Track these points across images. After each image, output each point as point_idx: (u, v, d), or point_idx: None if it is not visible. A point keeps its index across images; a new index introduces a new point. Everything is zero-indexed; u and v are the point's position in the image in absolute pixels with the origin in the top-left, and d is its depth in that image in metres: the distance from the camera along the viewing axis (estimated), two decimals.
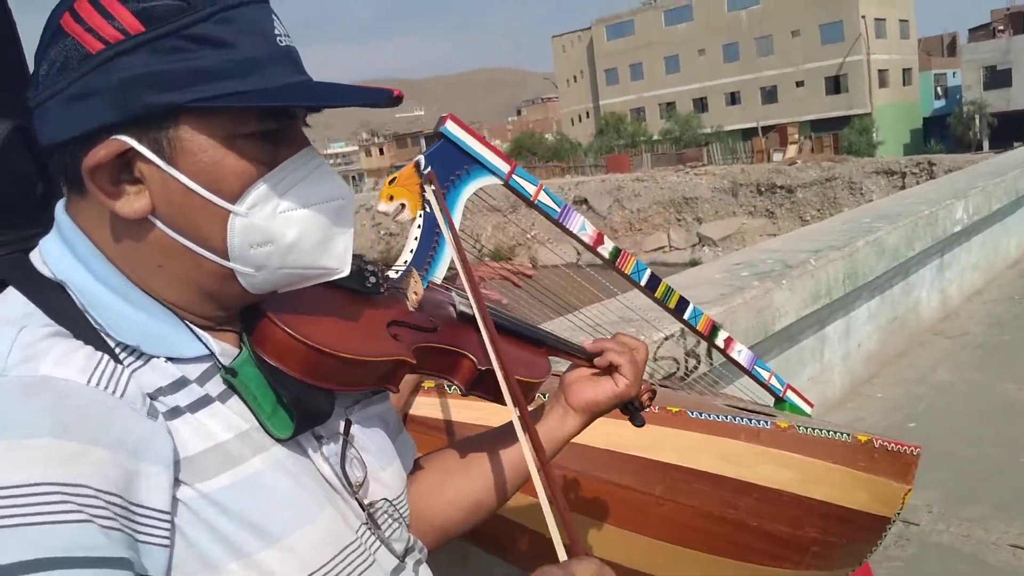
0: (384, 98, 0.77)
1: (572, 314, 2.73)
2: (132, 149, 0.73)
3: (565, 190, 34.93)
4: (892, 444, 2.14)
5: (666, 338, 3.21)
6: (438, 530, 1.12)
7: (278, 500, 0.79)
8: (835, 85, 49.61)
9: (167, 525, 0.70)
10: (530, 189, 1.90)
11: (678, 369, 3.20)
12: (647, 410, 1.81)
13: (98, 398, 0.68)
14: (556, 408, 1.17)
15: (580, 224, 1.99)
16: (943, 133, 47.62)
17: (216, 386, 0.80)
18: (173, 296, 0.80)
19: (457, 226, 1.79)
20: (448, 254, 1.78)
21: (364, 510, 0.90)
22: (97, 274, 0.78)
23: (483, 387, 1.06)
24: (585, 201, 34.36)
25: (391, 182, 1.73)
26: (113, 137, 0.73)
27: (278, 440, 0.82)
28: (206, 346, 0.81)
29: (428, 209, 1.76)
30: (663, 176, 34.84)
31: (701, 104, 54.98)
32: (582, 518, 1.72)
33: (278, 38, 0.78)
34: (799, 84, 50.63)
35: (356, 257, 1.04)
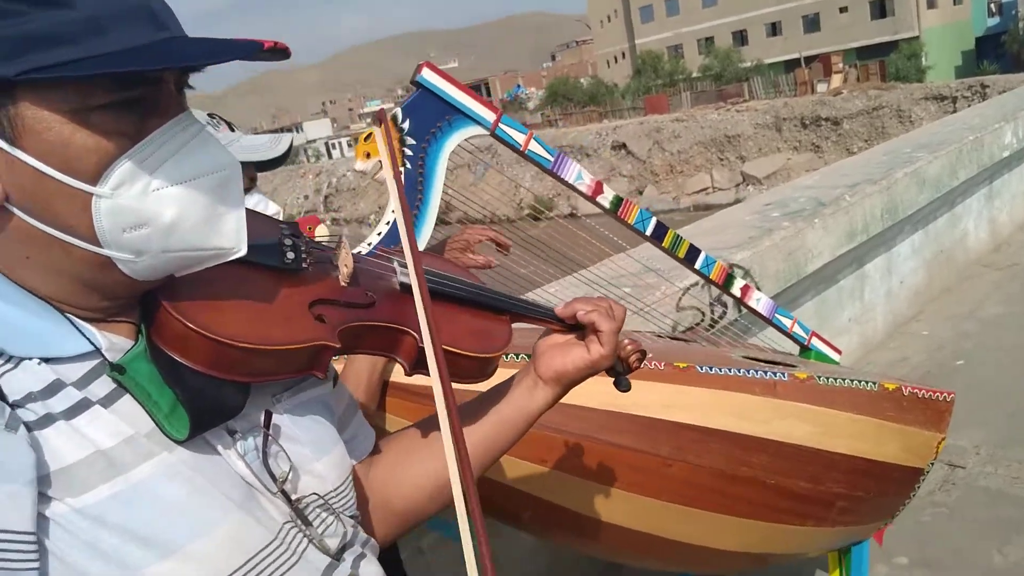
0: (254, 51, 0.67)
1: (585, 270, 2.63)
2: None
3: (603, 135, 34.36)
4: (923, 391, 2.01)
5: (690, 287, 3.08)
6: (399, 516, 1.05)
7: (170, 508, 0.71)
8: (880, 9, 47.47)
9: (30, 547, 0.63)
10: (519, 139, 1.78)
11: (703, 319, 3.07)
12: (651, 367, 1.72)
13: None
14: (525, 379, 1.07)
15: (576, 173, 1.87)
16: (998, 53, 45.36)
17: (103, 386, 0.72)
18: (49, 289, 0.72)
19: (442, 181, 1.69)
20: (432, 218, 1.68)
21: (290, 507, 0.83)
22: None
23: (423, 363, 0.95)
24: (623, 146, 33.75)
25: (367, 138, 1.63)
26: None
27: (178, 441, 0.74)
28: (91, 342, 0.73)
29: (408, 166, 1.66)
30: (703, 115, 33.96)
31: (741, 37, 53.21)
32: (586, 483, 1.64)
33: None
34: (843, 10, 48.58)
35: (285, 226, 0.95)
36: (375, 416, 1.56)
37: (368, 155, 1.63)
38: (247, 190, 1.67)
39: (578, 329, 1.08)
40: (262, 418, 0.83)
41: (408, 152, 1.66)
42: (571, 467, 1.62)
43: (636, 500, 1.66)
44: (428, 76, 1.67)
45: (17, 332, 0.70)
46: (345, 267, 0.94)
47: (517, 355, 1.57)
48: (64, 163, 0.66)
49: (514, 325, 1.08)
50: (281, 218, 1.70)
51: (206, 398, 0.76)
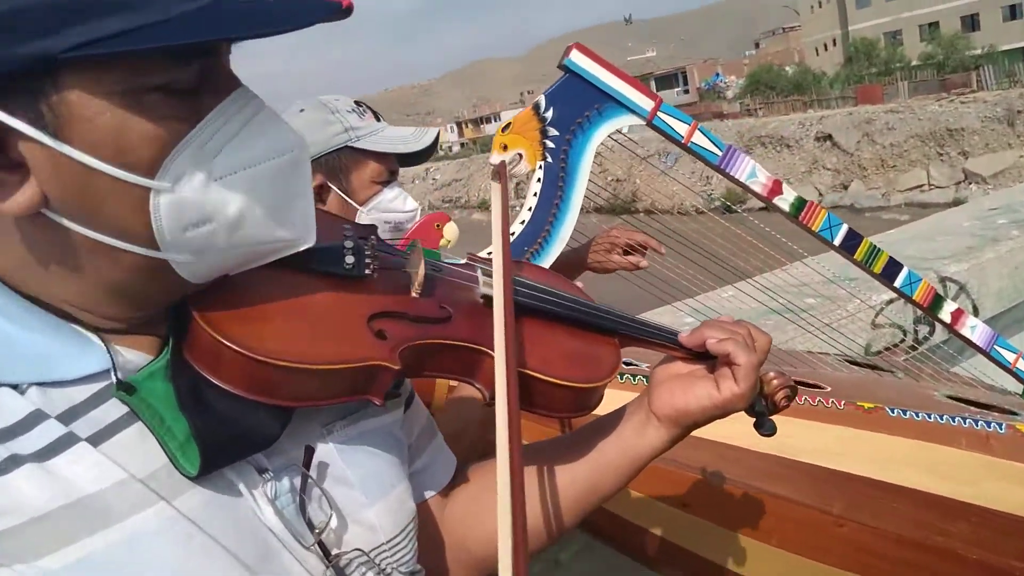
0: (334, 11, 0.57)
1: (763, 275, 2.34)
2: (2, 124, 0.54)
3: (806, 126, 32.38)
4: None
5: (890, 301, 2.69)
6: (478, 563, 0.89)
7: (165, 568, 0.58)
8: None
9: None
10: (681, 129, 1.55)
11: (903, 339, 2.67)
12: (828, 405, 1.45)
13: None
14: (637, 413, 0.88)
15: (749, 169, 1.61)
16: None
17: (103, 413, 0.61)
18: (64, 297, 0.62)
19: (586, 177, 1.50)
20: (574, 217, 1.50)
21: (328, 564, 0.68)
22: None
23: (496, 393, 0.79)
24: (829, 137, 31.60)
25: (505, 129, 1.47)
26: None
27: (191, 478, 0.61)
28: (103, 359, 0.62)
29: (549, 159, 1.48)
30: (922, 106, 31.08)
31: (971, 22, 48.15)
32: (734, 535, 1.40)
33: None
34: None
35: (349, 226, 0.82)
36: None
37: (505, 147, 1.47)
38: (386, 183, 1.56)
39: (708, 359, 0.87)
40: (302, 454, 0.69)
41: (550, 144, 1.49)
42: (718, 515, 1.39)
43: (795, 561, 1.40)
44: (578, 59, 1.48)
45: (11, 356, 0.59)
46: (417, 275, 0.79)
47: (634, 377, 1.36)
48: (119, 155, 0.57)
49: None
50: (419, 216, 1.58)
51: (228, 427, 0.63)
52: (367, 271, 0.76)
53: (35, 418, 0.58)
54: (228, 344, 0.63)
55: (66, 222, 0.58)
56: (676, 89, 59.98)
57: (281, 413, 0.67)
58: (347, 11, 0.58)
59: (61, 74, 0.54)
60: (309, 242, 0.68)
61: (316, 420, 0.72)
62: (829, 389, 1.53)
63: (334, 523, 0.70)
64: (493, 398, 0.78)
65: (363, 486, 0.74)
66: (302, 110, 1.54)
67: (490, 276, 0.86)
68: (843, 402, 1.45)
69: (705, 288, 2.36)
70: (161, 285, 0.63)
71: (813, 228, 1.66)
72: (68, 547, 0.55)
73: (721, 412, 0.85)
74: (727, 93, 54.95)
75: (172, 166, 0.58)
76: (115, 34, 0.53)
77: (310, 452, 0.69)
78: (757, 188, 1.62)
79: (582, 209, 1.53)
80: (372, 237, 0.81)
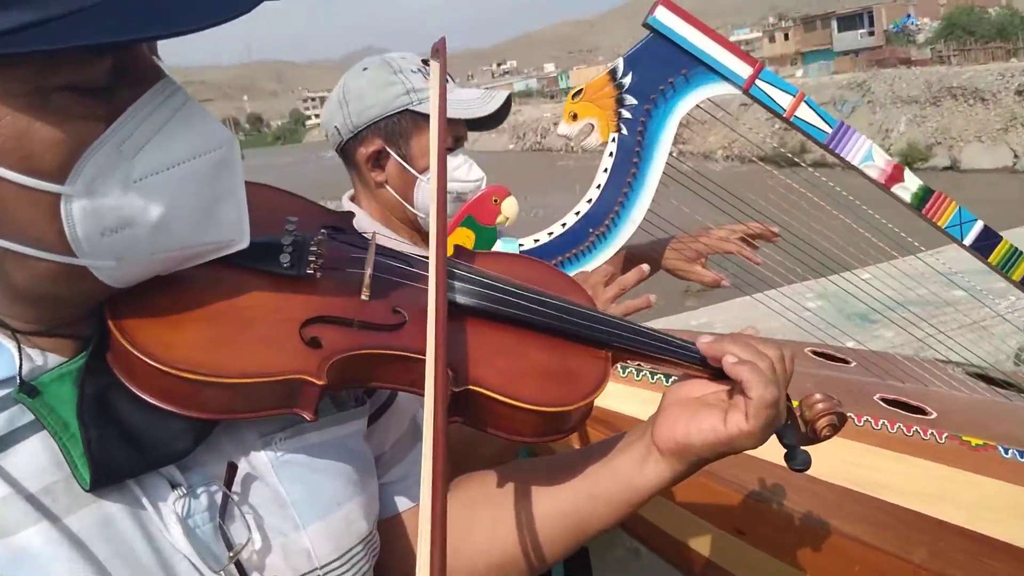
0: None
1: (916, 256, 2.08)
2: None
3: (1006, 77, 29.18)
4: None
5: None
6: None
7: None
8: None
9: None
10: (784, 101, 1.35)
11: None
12: (926, 438, 1.24)
13: None
14: (637, 442, 0.77)
15: (864, 151, 1.38)
16: None
17: (7, 420, 0.58)
18: None
19: (666, 152, 1.34)
20: (648, 198, 1.34)
21: None
22: None
23: (469, 413, 0.70)
24: None
25: (576, 96, 1.33)
26: None
27: (86, 491, 0.58)
28: (19, 362, 0.59)
29: (624, 132, 1.32)
30: None
31: None
32: (797, 572, 1.24)
33: None
34: None
35: (295, 219, 0.73)
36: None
37: (575, 116, 1.33)
38: (450, 150, 1.46)
39: (729, 379, 0.74)
40: (224, 471, 0.64)
41: (626, 114, 1.33)
42: (777, 548, 1.24)
43: None
44: (663, 17, 1.30)
45: None
46: (366, 275, 0.71)
47: (653, 375, 1.21)
48: (22, 161, 0.53)
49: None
50: (484, 185, 1.48)
51: (131, 437, 0.59)
52: (309, 270, 0.68)
53: None
54: (134, 352, 0.59)
55: None
56: (860, 31, 55.47)
57: (197, 426, 0.62)
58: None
59: None
60: (242, 244, 0.63)
61: (253, 430, 0.67)
62: (934, 416, 1.32)
63: (256, 545, 0.64)
64: (450, 416, 0.68)
65: (298, 506, 0.67)
66: (365, 69, 1.45)
67: (457, 278, 0.75)
68: (945, 435, 1.24)
69: (839, 266, 2.12)
70: (81, 290, 0.59)
71: (939, 223, 1.41)
72: None
73: (729, 450, 0.73)
74: (918, 37, 50.34)
75: (84, 169, 0.54)
76: (16, 28, 0.48)
77: (232, 469, 0.64)
78: (874, 173, 1.39)
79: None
80: (324, 231, 0.72)
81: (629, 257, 1.59)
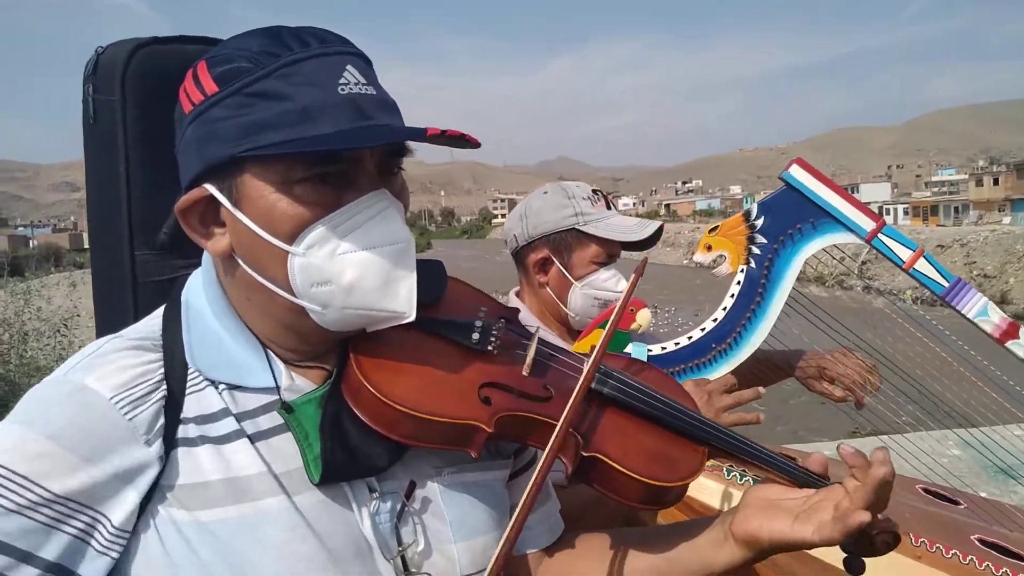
0: (420, 136, 0.76)
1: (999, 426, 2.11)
2: (212, 195, 0.82)
3: None
4: None
5: None
6: None
7: (265, 548, 0.79)
8: None
9: (121, 540, 0.77)
10: (903, 255, 1.52)
11: None
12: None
13: (109, 416, 0.78)
14: (718, 527, 0.94)
15: (980, 307, 1.51)
16: None
17: (269, 420, 0.85)
18: (260, 327, 0.88)
19: (789, 287, 1.53)
20: (768, 325, 1.53)
21: None
22: (210, 298, 0.89)
23: (591, 476, 0.91)
24: None
25: (712, 231, 1.56)
26: (202, 185, 0.83)
27: (314, 484, 0.83)
28: (275, 380, 0.86)
29: (752, 265, 1.54)
30: None
31: None
32: None
33: (341, 87, 0.79)
34: None
35: (485, 309, 0.99)
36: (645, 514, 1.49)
37: (709, 247, 1.56)
38: (603, 264, 1.73)
39: (809, 486, 0.92)
40: (407, 486, 0.88)
41: (756, 251, 1.54)
42: None
43: None
44: (797, 174, 1.53)
45: (222, 359, 0.86)
46: (528, 357, 0.95)
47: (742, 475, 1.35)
48: (269, 225, 0.80)
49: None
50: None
51: (350, 452, 0.84)
52: (489, 347, 0.93)
53: (223, 413, 0.83)
54: (367, 385, 0.84)
55: (244, 265, 0.83)
56: None
57: (395, 450, 0.86)
58: (458, 139, 0.79)
59: (244, 166, 0.79)
60: (410, 317, 0.84)
61: (430, 463, 0.91)
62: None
63: (419, 547, 0.87)
64: (573, 476, 0.91)
65: (456, 524, 0.90)
66: (546, 192, 1.78)
67: (599, 370, 0.98)
68: (1002, 572, 1.30)
69: (992, 419, 2.16)
70: (307, 326, 0.84)
71: None
72: (217, 508, 0.79)
73: (792, 548, 0.89)
74: None
75: (307, 239, 0.79)
76: (269, 144, 0.77)
77: (412, 485, 0.88)
78: (988, 328, 1.51)
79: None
80: (502, 320, 0.98)
81: (763, 360, 1.77)
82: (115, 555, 0.77)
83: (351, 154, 0.81)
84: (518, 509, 0.82)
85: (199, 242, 0.85)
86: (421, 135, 0.77)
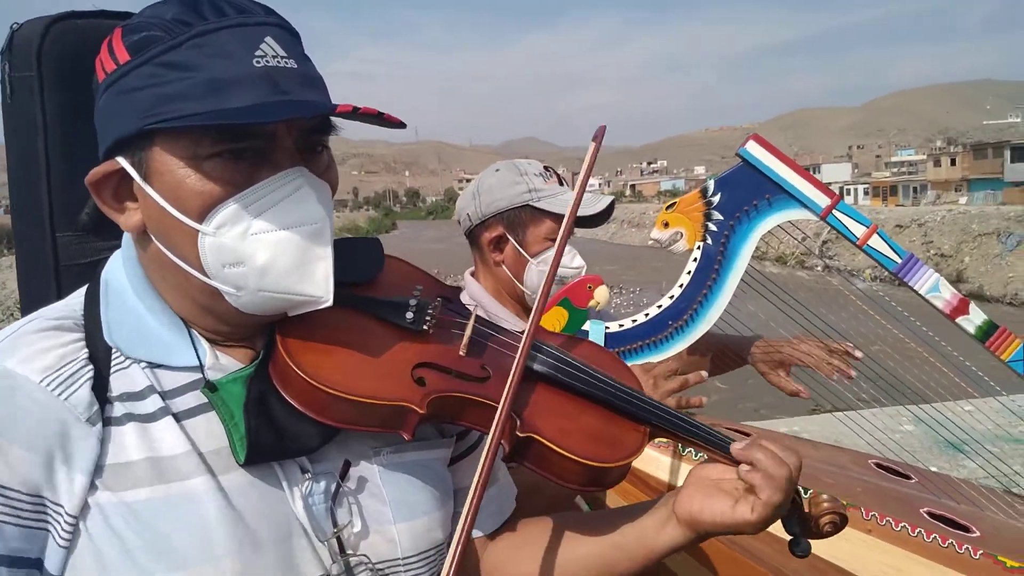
0: (326, 110, 0.73)
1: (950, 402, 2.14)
2: (123, 168, 0.79)
3: None
4: None
5: None
6: None
7: (194, 527, 0.76)
8: None
9: (69, 527, 0.74)
10: (857, 231, 1.52)
11: None
12: (962, 553, 1.32)
13: (41, 399, 0.75)
14: (661, 508, 0.93)
15: (931, 283, 1.52)
16: None
17: (192, 399, 0.82)
18: (179, 307, 0.84)
19: (745, 264, 1.53)
20: (724, 301, 1.53)
21: (339, 560, 0.83)
22: (130, 275, 0.86)
23: (527, 457, 0.89)
24: None
25: (669, 207, 1.55)
26: (114, 158, 0.79)
27: (240, 464, 0.80)
28: (199, 357, 0.83)
29: (709, 242, 1.53)
30: None
31: None
32: None
33: (257, 59, 0.75)
34: None
35: (420, 288, 0.96)
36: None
37: (666, 224, 1.55)
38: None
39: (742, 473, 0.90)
40: (340, 466, 0.85)
41: (712, 227, 1.54)
42: None
43: None
44: (753, 150, 1.52)
45: (143, 338, 0.83)
46: (464, 336, 0.92)
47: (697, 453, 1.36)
48: (177, 202, 0.76)
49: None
50: (584, 273, 1.71)
51: (276, 432, 0.81)
52: (424, 327, 0.90)
53: (148, 391, 0.80)
54: (294, 368, 0.80)
55: (157, 243, 0.80)
56: None
57: (325, 432, 0.83)
58: (374, 117, 0.77)
59: (155, 141, 0.76)
60: (328, 301, 0.81)
61: (366, 443, 0.88)
62: (977, 534, 1.40)
63: (356, 528, 0.85)
64: (510, 455, 0.89)
65: (396, 505, 0.88)
66: (497, 169, 1.75)
67: (535, 349, 0.96)
68: (981, 552, 1.32)
69: (945, 395, 2.19)
70: (223, 307, 0.81)
71: (1002, 357, 1.52)
72: (141, 488, 0.76)
73: (731, 531, 0.89)
74: None
75: (216, 216, 0.76)
76: (173, 116, 0.74)
77: (347, 465, 0.85)
78: (939, 304, 1.52)
79: None
80: (439, 299, 0.95)
81: (717, 347, 1.77)
82: (66, 544, 0.74)
83: (265, 129, 0.77)
84: (469, 499, 0.79)
85: (112, 217, 0.82)
86: (330, 110, 0.74)
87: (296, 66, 0.78)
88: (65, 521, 0.74)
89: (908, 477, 1.67)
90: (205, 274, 0.78)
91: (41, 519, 0.74)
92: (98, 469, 0.76)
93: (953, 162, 63.07)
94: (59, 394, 0.75)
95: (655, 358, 1.52)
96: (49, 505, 0.74)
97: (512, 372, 0.88)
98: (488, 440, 0.84)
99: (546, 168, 1.76)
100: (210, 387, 0.81)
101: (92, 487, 0.75)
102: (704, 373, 1.37)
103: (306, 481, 0.83)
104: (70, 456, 0.74)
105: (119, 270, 0.86)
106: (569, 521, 1.01)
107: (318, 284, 0.80)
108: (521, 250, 1.69)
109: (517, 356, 0.90)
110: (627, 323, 1.55)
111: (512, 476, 1.09)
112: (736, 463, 0.90)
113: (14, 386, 0.75)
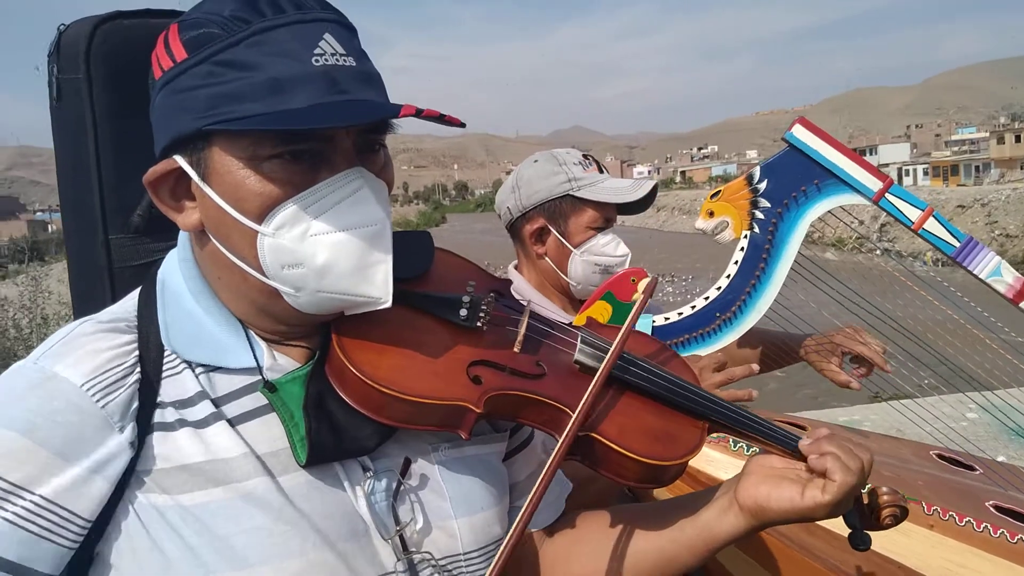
0: (394, 114, 0.73)
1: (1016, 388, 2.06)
2: (180, 168, 0.79)
3: None
4: None
5: None
6: None
7: (255, 527, 0.76)
8: None
9: (80, 529, 0.75)
10: (912, 215, 1.47)
11: None
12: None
13: (77, 402, 0.76)
14: (721, 497, 0.92)
15: (992, 266, 1.46)
16: None
17: (248, 402, 0.82)
18: (235, 307, 0.85)
19: (794, 252, 1.49)
20: (773, 292, 1.49)
21: (403, 557, 0.82)
22: (186, 276, 0.86)
23: (587, 455, 0.88)
24: None
25: (714, 196, 1.52)
26: (172, 157, 0.79)
27: (301, 465, 0.80)
28: (256, 358, 0.83)
29: (756, 230, 1.49)
30: None
31: None
32: None
33: (316, 58, 0.75)
34: None
35: (473, 283, 0.94)
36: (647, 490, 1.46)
37: (711, 213, 1.52)
38: (600, 229, 1.69)
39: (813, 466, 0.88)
40: (401, 464, 0.85)
41: (759, 215, 1.50)
42: None
43: None
44: (800, 134, 1.47)
45: (200, 339, 0.83)
46: (519, 334, 0.91)
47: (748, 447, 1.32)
48: (237, 202, 0.76)
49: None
50: (628, 264, 1.68)
51: (336, 432, 0.81)
52: (478, 324, 0.89)
53: (199, 397, 0.81)
54: (351, 367, 0.80)
55: (215, 242, 0.80)
56: None
57: (383, 430, 0.83)
58: (437, 118, 0.75)
59: (211, 140, 0.76)
60: (387, 302, 0.81)
61: (425, 440, 0.88)
62: None
63: (418, 525, 0.84)
64: (569, 455, 0.87)
65: (456, 500, 0.88)
66: (536, 161, 1.73)
67: (588, 344, 0.95)
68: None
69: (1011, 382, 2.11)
70: (281, 307, 0.81)
71: None
72: (198, 491, 0.77)
73: (799, 518, 0.87)
74: None
75: (276, 218, 0.76)
76: (235, 118, 0.73)
77: (407, 463, 0.85)
78: (1001, 288, 1.46)
79: None
80: (492, 294, 0.94)
81: (768, 341, 1.73)
82: (75, 546, 0.75)
83: (324, 131, 0.77)
84: (530, 497, 0.79)
85: (171, 216, 0.82)
86: (393, 112, 0.73)
87: (355, 63, 0.78)
88: (77, 525, 0.74)
89: (972, 468, 1.61)
90: (264, 274, 0.78)
91: (51, 527, 0.73)
92: (149, 473, 0.77)
93: (1018, 139, 60.74)
94: (98, 400, 0.76)
95: (703, 351, 1.49)
96: (63, 510, 0.74)
97: (593, 382, 0.87)
98: (558, 444, 0.83)
99: (585, 156, 1.74)
100: (270, 387, 0.82)
101: (146, 491, 0.77)
102: (755, 366, 1.34)
103: (368, 480, 0.83)
104: (96, 464, 0.75)
105: (175, 271, 0.87)
106: (626, 515, 0.99)
107: (377, 286, 0.80)
108: (564, 241, 1.67)
109: (601, 365, 0.89)
110: (674, 316, 1.53)
111: (564, 468, 1.08)
112: (803, 457, 0.89)
113: (54, 389, 0.76)
